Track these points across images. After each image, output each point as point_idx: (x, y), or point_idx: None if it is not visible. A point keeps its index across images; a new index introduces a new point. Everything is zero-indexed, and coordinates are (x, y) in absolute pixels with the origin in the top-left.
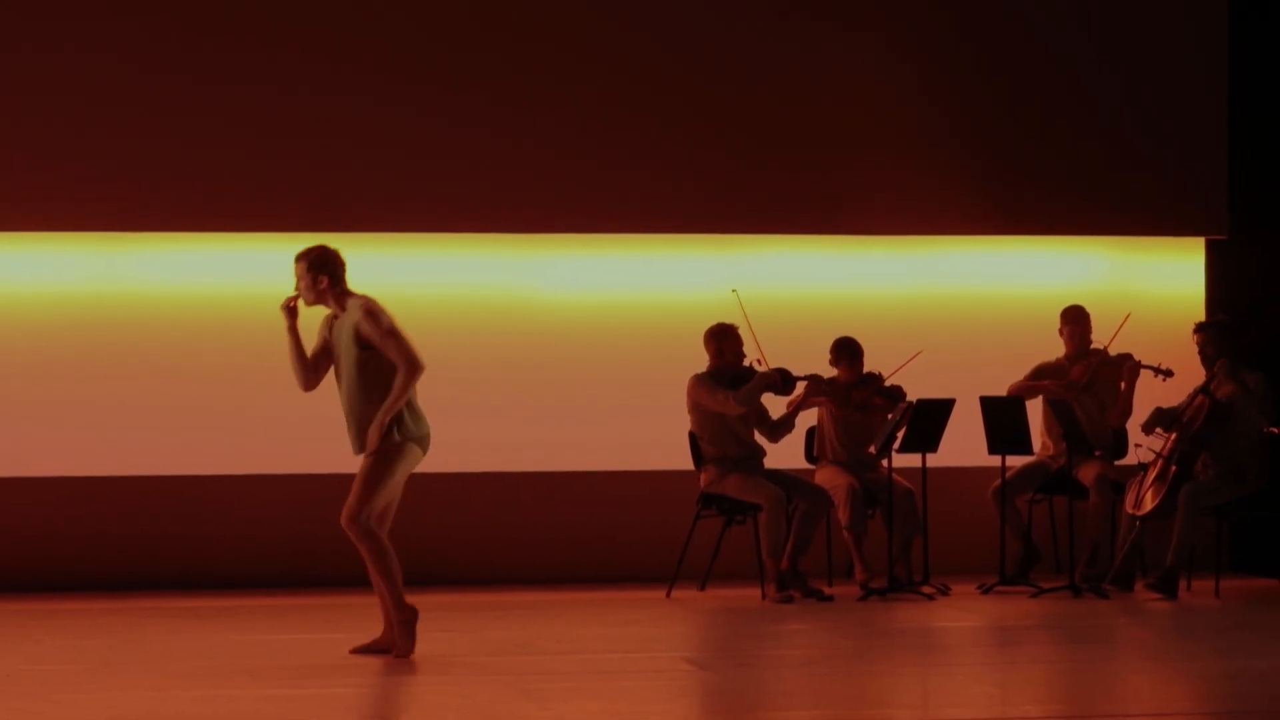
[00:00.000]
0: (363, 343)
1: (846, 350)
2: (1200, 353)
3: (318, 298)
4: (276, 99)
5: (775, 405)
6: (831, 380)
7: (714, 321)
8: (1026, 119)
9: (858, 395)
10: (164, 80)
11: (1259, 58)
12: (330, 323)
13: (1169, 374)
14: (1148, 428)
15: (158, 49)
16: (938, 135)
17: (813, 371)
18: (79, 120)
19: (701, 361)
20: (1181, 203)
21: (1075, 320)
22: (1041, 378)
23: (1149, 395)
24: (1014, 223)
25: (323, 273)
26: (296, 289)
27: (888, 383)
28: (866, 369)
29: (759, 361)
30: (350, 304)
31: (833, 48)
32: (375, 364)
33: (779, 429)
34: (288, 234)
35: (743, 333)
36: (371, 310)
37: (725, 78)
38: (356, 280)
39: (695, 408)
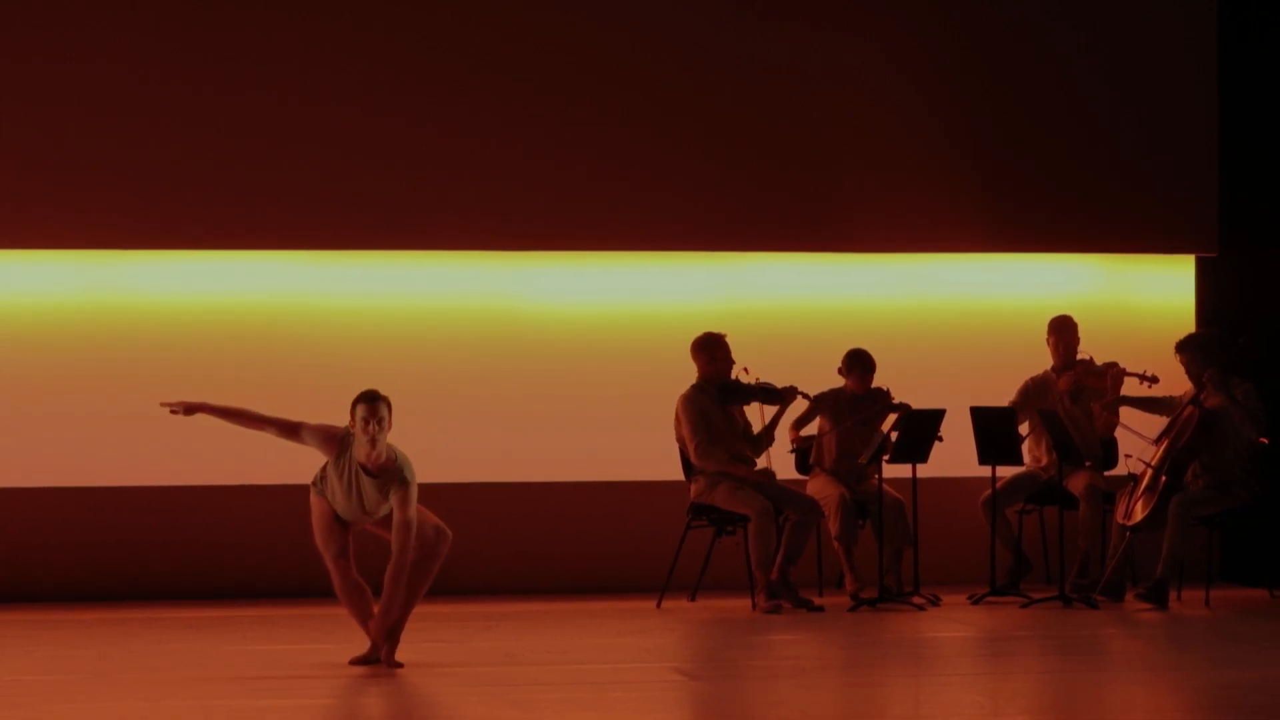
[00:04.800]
0: (389, 502)
1: (859, 363)
2: (1186, 371)
3: (380, 442)
4: (268, 115)
5: (755, 418)
6: (837, 390)
7: (703, 331)
8: (1019, 137)
9: (864, 408)
10: (160, 96)
11: (1250, 77)
12: (348, 455)
13: (1154, 380)
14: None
15: (152, 66)
16: (930, 153)
17: (790, 384)
18: (76, 136)
19: (691, 372)
20: (1172, 220)
21: (1062, 330)
22: (1028, 395)
23: None
24: (1006, 240)
25: (390, 418)
26: (364, 427)
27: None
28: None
29: (746, 371)
30: (393, 466)
31: (826, 65)
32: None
33: (759, 442)
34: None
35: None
36: (411, 495)
37: (717, 95)
38: (351, 292)
39: (678, 428)
